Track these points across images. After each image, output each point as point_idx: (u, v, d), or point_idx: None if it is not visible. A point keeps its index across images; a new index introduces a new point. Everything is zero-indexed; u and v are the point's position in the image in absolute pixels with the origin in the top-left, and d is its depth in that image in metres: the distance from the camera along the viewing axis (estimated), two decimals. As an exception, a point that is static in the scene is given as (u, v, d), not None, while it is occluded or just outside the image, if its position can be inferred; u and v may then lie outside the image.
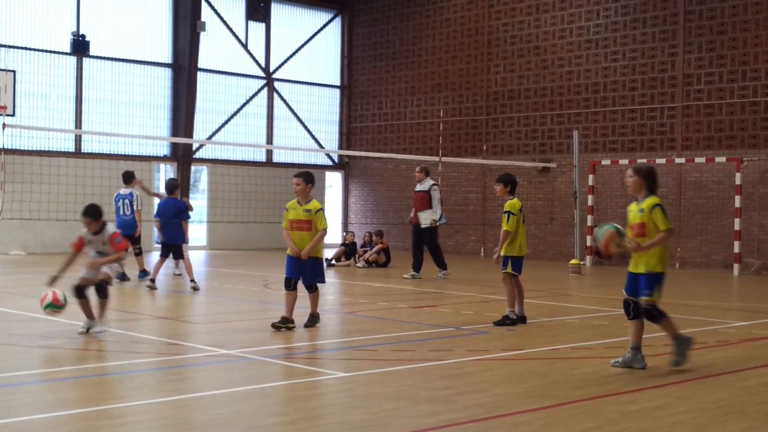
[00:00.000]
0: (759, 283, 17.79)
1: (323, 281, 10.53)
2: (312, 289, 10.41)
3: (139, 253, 16.21)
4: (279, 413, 6.40)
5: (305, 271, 10.31)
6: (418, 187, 17.55)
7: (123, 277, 15.68)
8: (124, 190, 16.21)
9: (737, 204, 19.98)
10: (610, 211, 22.81)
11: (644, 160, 21.70)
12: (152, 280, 14.35)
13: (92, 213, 9.60)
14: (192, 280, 14.31)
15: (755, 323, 11.62)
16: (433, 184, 17.52)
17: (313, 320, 10.42)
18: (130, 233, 15.57)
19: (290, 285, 10.32)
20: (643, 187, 8.28)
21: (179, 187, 15.69)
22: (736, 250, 19.95)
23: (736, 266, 19.88)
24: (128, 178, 16.49)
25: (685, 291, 15.98)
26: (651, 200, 8.20)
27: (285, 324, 10.16)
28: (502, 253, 10.94)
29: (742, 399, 7.07)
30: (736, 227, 19.95)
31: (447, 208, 25.96)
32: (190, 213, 16.35)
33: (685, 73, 21.68)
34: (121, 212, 15.99)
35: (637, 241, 8.13)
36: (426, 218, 17.28)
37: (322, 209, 10.33)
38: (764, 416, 6.53)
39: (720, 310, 12.93)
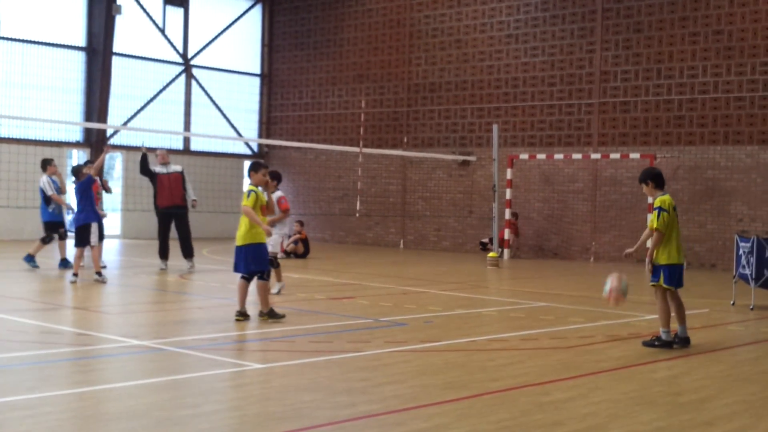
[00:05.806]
0: (669, 277, 18.17)
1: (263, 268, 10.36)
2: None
3: (61, 238, 15.98)
4: (193, 405, 6.27)
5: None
6: (171, 169, 16.28)
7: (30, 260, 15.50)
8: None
9: (650, 200, 20.40)
10: (527, 205, 23.12)
11: (561, 156, 22.06)
12: (75, 275, 13.42)
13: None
14: (98, 273, 13.55)
15: (665, 316, 11.84)
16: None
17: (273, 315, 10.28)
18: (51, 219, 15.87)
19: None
20: None
21: (82, 169, 14.57)
22: (649, 244, 20.33)
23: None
24: (44, 164, 16.22)
25: (598, 284, 16.23)
26: None
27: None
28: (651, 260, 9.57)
29: (652, 390, 7.21)
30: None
31: (367, 199, 25.99)
32: (106, 193, 16.28)
33: (602, 70, 22.07)
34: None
35: None
36: (187, 199, 16.23)
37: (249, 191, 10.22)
38: (673, 407, 6.65)
39: (632, 303, 13.17)
